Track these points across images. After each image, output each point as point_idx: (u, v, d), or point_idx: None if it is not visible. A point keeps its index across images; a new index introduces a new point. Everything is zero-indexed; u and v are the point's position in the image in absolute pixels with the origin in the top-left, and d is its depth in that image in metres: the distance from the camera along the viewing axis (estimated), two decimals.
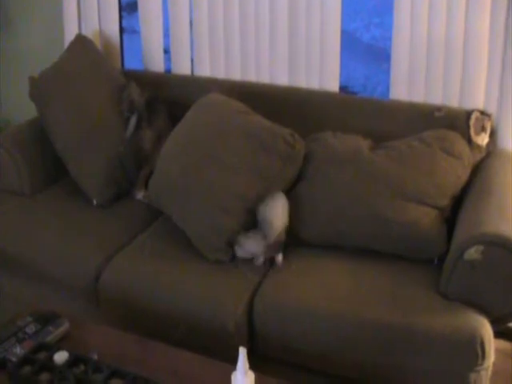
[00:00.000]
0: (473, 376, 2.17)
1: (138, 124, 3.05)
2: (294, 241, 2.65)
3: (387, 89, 3.06)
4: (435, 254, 2.51)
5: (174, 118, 3.06)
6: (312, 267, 2.53)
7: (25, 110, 3.13)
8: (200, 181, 2.68)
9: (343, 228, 2.61)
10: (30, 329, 2.13)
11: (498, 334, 2.29)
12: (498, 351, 2.26)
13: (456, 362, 2.19)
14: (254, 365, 1.80)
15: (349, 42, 3.15)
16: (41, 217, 2.92)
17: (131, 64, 3.65)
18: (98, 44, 3.43)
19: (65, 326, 2.16)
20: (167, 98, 3.24)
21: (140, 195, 3.05)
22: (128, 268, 2.62)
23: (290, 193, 2.73)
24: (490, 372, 2.21)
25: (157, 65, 3.47)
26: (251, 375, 1.79)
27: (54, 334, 2.12)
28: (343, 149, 2.76)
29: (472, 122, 2.77)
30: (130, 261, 2.65)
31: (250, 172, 2.67)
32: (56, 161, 3.09)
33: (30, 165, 3.08)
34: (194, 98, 3.15)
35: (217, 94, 2.98)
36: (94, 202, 2.96)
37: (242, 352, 1.77)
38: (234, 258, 2.61)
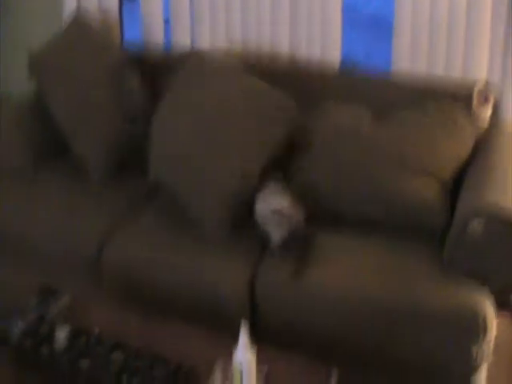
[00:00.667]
0: (475, 349, 2.17)
1: (137, 112, 3.04)
2: None
3: (388, 61, 3.03)
4: (438, 225, 2.49)
5: None
6: (313, 242, 2.52)
7: (25, 84, 3.11)
8: (201, 150, 2.65)
9: (345, 201, 2.60)
10: (32, 302, 2.13)
11: (500, 306, 2.28)
12: (499, 324, 2.26)
13: (458, 335, 2.19)
14: (255, 338, 1.80)
15: (350, 12, 3.10)
16: (42, 193, 2.90)
17: (131, 34, 3.61)
18: (97, 16, 3.38)
19: (66, 301, 2.16)
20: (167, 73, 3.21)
21: None
22: (129, 244, 2.61)
23: (291, 166, 2.72)
24: (492, 345, 2.21)
25: (157, 35, 3.43)
26: (253, 350, 1.79)
27: (55, 308, 2.12)
28: (345, 121, 2.75)
29: (475, 93, 2.74)
30: (131, 237, 2.64)
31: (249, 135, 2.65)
32: (56, 136, 3.06)
33: (30, 140, 3.06)
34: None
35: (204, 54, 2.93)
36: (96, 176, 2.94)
37: (244, 327, 1.77)
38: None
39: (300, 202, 2.51)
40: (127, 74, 3.09)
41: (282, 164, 2.77)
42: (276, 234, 2.46)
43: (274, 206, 2.48)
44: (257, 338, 1.84)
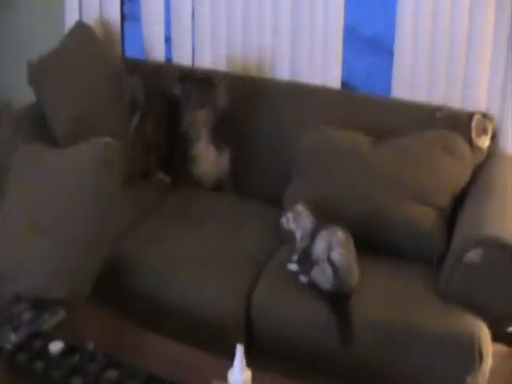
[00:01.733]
0: (469, 379, 2.17)
1: (141, 119, 3.04)
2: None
3: (388, 85, 3.04)
4: (434, 253, 2.50)
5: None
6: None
7: (24, 94, 3.09)
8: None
9: (342, 224, 2.59)
10: (25, 316, 2.10)
11: (495, 338, 2.27)
12: (495, 354, 2.25)
13: (453, 365, 2.19)
14: (250, 358, 1.78)
15: (350, 36, 3.11)
16: None
17: (132, 51, 3.62)
18: (99, 31, 3.39)
19: (60, 314, 2.13)
20: (167, 89, 3.21)
21: (161, 175, 3.12)
22: (128, 257, 2.60)
23: (289, 186, 2.73)
24: (486, 375, 2.21)
25: (158, 53, 3.44)
26: (248, 373, 1.78)
27: (49, 321, 2.10)
28: (344, 144, 2.76)
29: (474, 123, 2.76)
30: (133, 245, 2.64)
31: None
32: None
33: None
34: None
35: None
36: None
37: (240, 349, 1.75)
38: None
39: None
40: (128, 82, 3.09)
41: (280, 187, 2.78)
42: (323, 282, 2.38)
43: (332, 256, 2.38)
44: (251, 355, 1.82)
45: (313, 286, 2.39)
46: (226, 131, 3.04)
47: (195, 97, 3.01)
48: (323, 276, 2.35)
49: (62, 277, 2.34)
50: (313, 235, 2.43)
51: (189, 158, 3.07)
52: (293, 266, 2.48)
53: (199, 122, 3.02)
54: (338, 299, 2.32)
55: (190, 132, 3.04)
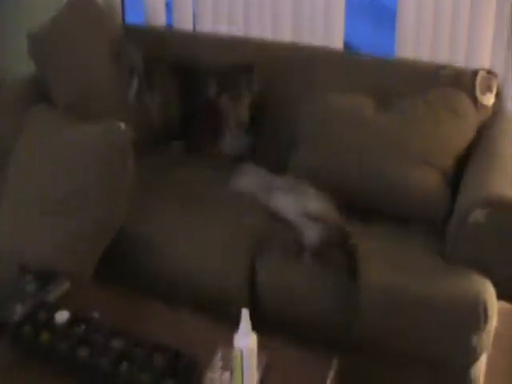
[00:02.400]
0: (475, 339, 2.17)
1: (139, 87, 3.00)
2: None
3: (390, 46, 3.01)
4: (439, 215, 2.49)
5: (177, 76, 3.02)
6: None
7: (25, 66, 3.07)
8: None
9: (346, 189, 2.59)
10: (31, 287, 2.11)
11: (500, 297, 2.28)
12: (499, 313, 2.25)
13: (459, 325, 2.19)
14: (255, 327, 1.79)
15: None
16: None
17: (132, 17, 3.58)
18: None
19: (65, 285, 2.15)
20: (168, 56, 3.19)
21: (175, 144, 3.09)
22: (130, 229, 2.58)
23: (294, 152, 2.71)
24: (492, 334, 2.22)
25: (158, 19, 3.41)
26: (254, 337, 1.78)
27: (54, 292, 2.11)
28: (347, 108, 2.75)
29: (478, 81, 2.73)
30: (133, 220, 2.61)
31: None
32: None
33: None
34: (196, 54, 3.14)
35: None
36: None
37: (245, 313, 1.76)
38: None
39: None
40: (126, 48, 3.07)
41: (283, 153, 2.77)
42: (310, 240, 2.38)
43: (309, 209, 2.40)
44: (256, 327, 1.82)
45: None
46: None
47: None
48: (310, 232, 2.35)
49: (68, 252, 2.35)
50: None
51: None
52: None
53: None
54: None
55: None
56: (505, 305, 2.39)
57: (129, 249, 2.55)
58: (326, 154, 2.66)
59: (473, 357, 2.21)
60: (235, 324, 1.77)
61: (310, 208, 2.39)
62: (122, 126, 2.46)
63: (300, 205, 2.43)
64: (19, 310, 2.01)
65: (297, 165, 2.71)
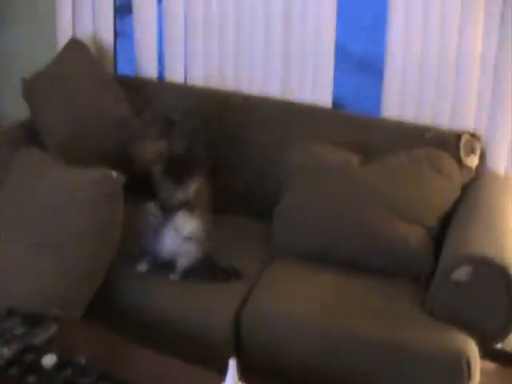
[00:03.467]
0: None
1: None
2: (283, 248, 2.66)
3: (376, 103, 3.08)
4: (422, 271, 2.53)
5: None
6: (300, 279, 2.54)
7: (19, 111, 3.10)
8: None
9: (331, 240, 2.63)
10: (18, 330, 2.10)
11: (484, 355, 2.30)
12: (483, 372, 2.27)
13: (442, 381, 2.21)
14: (240, 374, 1.79)
15: (340, 54, 3.15)
16: None
17: (123, 69, 3.64)
18: (92, 47, 3.40)
19: (53, 328, 2.13)
20: (159, 106, 3.24)
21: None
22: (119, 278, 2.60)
23: (278, 204, 2.75)
24: None
25: (150, 70, 3.46)
26: None
27: (41, 336, 2.09)
28: (333, 161, 2.79)
29: (462, 143, 2.80)
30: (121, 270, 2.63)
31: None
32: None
33: None
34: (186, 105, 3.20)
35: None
36: None
37: (232, 364, 1.76)
38: None
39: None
40: (119, 102, 3.09)
41: (268, 201, 2.80)
42: (182, 262, 2.57)
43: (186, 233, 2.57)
44: (243, 373, 1.83)
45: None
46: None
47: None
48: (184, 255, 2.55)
49: (56, 295, 2.35)
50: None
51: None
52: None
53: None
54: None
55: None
56: (487, 363, 2.42)
57: (115, 294, 2.56)
58: (310, 203, 2.70)
59: None
60: (222, 370, 1.78)
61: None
62: (114, 174, 2.49)
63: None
64: (6, 353, 2.00)
65: (281, 213, 2.73)
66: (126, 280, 2.59)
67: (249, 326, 2.42)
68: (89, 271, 2.43)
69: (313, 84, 3.14)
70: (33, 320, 2.15)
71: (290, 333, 2.37)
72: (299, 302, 2.44)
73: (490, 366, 2.70)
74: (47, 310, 2.24)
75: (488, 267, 2.25)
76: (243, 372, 1.81)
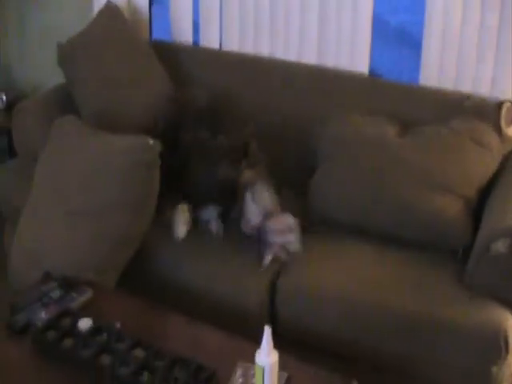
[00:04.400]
0: (495, 370, 2.16)
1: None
2: (319, 220, 2.64)
3: (413, 76, 3.02)
4: (460, 244, 2.49)
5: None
6: (336, 251, 2.53)
7: (52, 77, 3.11)
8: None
9: (367, 213, 2.60)
10: (55, 294, 2.13)
11: None
12: None
13: (478, 356, 2.18)
14: (274, 345, 1.79)
15: (376, 25, 3.09)
16: None
17: (158, 34, 3.61)
18: (127, 13, 3.38)
19: (88, 294, 2.16)
20: (194, 72, 3.23)
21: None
22: (154, 244, 2.61)
23: (315, 173, 2.72)
24: None
25: (185, 36, 3.43)
26: (275, 354, 1.78)
27: (78, 300, 2.12)
28: (370, 131, 2.74)
29: (503, 112, 2.74)
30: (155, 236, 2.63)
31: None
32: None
33: None
34: (221, 72, 3.17)
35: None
36: None
37: (267, 330, 1.76)
38: None
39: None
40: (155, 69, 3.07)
41: (302, 173, 2.78)
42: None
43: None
44: (276, 344, 1.82)
45: None
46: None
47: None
48: None
49: (91, 261, 2.37)
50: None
51: None
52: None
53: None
54: None
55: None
56: None
57: (151, 263, 2.58)
58: (347, 175, 2.66)
59: None
60: (254, 339, 1.77)
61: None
62: (151, 141, 2.48)
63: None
64: (43, 316, 2.02)
65: (317, 185, 2.71)
66: (161, 248, 2.61)
67: (284, 296, 2.42)
68: (124, 238, 2.44)
69: (350, 53, 3.09)
70: (69, 284, 2.18)
71: (323, 304, 2.36)
72: (334, 274, 2.42)
73: None
74: (82, 274, 2.26)
75: None
76: (277, 342, 1.80)
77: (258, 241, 2.51)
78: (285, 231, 2.47)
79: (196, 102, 2.96)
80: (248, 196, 2.57)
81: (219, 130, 2.81)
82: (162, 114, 2.94)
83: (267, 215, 2.51)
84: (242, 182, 2.66)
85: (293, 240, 2.48)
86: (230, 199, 2.68)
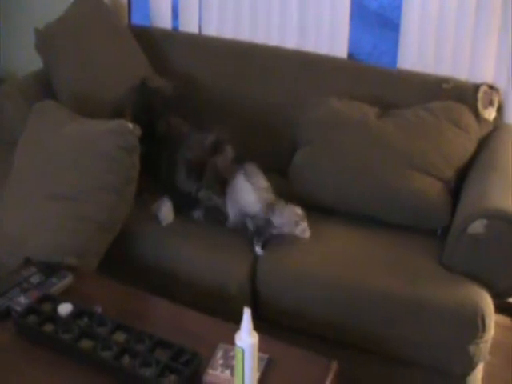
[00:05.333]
0: (472, 348, 2.19)
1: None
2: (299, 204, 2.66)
3: (393, 58, 3.03)
4: (439, 224, 2.52)
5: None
6: (317, 233, 2.52)
7: (30, 62, 3.09)
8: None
9: (348, 194, 2.61)
10: (35, 279, 2.13)
11: (499, 309, 2.30)
12: (497, 325, 2.28)
13: (456, 334, 2.21)
14: (256, 327, 1.80)
15: (356, 9, 3.09)
16: None
17: (137, 19, 3.60)
18: None
19: (69, 278, 2.16)
20: (173, 57, 3.23)
21: None
22: (136, 228, 2.61)
23: (295, 157, 2.73)
24: (489, 345, 2.24)
25: (164, 21, 3.42)
26: (255, 335, 1.79)
27: (58, 285, 2.12)
28: (350, 114, 2.76)
29: (480, 95, 2.76)
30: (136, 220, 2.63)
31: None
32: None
33: None
34: (200, 57, 3.17)
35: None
36: None
37: (247, 312, 1.76)
38: None
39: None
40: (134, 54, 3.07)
41: (283, 158, 2.79)
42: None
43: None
44: (258, 327, 1.84)
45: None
46: None
47: None
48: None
49: (71, 245, 2.36)
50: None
51: None
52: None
53: None
54: None
55: None
56: (502, 318, 2.42)
57: (133, 247, 2.58)
58: (328, 158, 2.67)
59: (470, 365, 2.23)
60: (236, 322, 1.78)
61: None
62: (130, 125, 2.48)
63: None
64: (22, 301, 2.02)
65: (297, 169, 2.72)
66: (143, 233, 2.61)
67: (264, 278, 2.43)
68: (105, 222, 2.43)
69: (329, 37, 3.09)
70: (49, 269, 2.18)
71: (304, 286, 2.38)
72: (314, 256, 2.44)
73: (505, 320, 2.70)
74: (63, 259, 2.25)
75: (503, 220, 2.23)
76: (259, 325, 1.81)
77: (245, 228, 2.52)
78: (293, 223, 2.46)
79: (162, 91, 2.96)
80: (240, 176, 2.56)
81: (187, 119, 2.83)
82: (131, 101, 2.93)
83: (268, 207, 2.49)
84: (208, 167, 2.66)
85: (304, 228, 2.47)
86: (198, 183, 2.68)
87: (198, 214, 2.65)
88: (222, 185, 2.61)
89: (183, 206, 2.68)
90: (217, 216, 2.61)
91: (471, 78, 2.87)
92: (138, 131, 2.48)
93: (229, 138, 2.70)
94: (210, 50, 3.23)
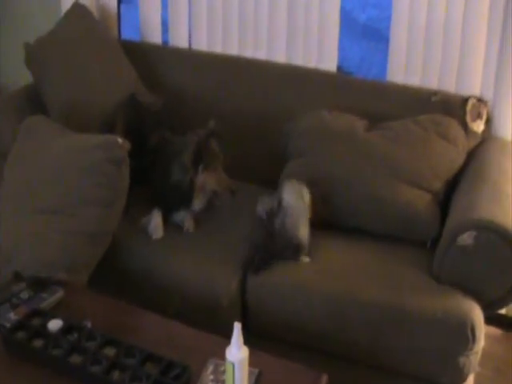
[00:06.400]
0: (462, 359, 2.20)
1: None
2: None
3: (382, 70, 3.05)
4: (428, 236, 2.53)
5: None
6: None
7: (22, 76, 3.09)
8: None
9: (337, 206, 2.62)
10: (24, 294, 2.12)
11: (489, 320, 2.31)
12: (487, 336, 2.28)
13: (446, 346, 2.22)
14: (246, 341, 1.80)
15: (345, 21, 3.11)
16: None
17: (127, 34, 3.61)
18: (95, 12, 3.38)
19: (59, 293, 2.15)
20: (163, 72, 3.24)
21: None
22: (126, 242, 2.61)
23: (285, 169, 2.74)
24: (479, 356, 2.24)
25: (154, 35, 3.44)
26: (246, 350, 1.79)
27: (48, 300, 2.11)
28: (339, 127, 2.78)
29: (468, 108, 2.78)
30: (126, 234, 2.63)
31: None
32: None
33: None
34: (190, 71, 3.18)
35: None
36: None
37: (237, 327, 1.77)
38: None
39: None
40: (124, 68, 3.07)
41: (273, 170, 2.79)
42: None
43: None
44: (248, 340, 1.84)
45: None
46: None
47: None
48: None
49: (61, 260, 2.36)
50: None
51: None
52: None
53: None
54: None
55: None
56: (492, 329, 2.43)
57: (122, 260, 2.58)
58: (316, 170, 2.68)
59: (460, 377, 2.24)
60: (226, 334, 1.79)
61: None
62: (120, 140, 2.48)
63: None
64: (12, 317, 2.02)
65: (288, 180, 2.72)
66: (132, 246, 2.61)
67: (254, 290, 2.43)
68: (94, 236, 2.44)
69: (318, 50, 3.11)
70: (39, 284, 2.17)
71: (295, 297, 2.38)
72: (304, 267, 2.44)
73: (495, 331, 2.70)
74: (53, 273, 2.25)
75: (492, 232, 2.24)
76: (249, 338, 1.81)
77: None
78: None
79: (152, 106, 2.98)
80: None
81: (177, 132, 2.85)
82: (121, 115, 2.94)
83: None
84: (197, 183, 2.66)
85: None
86: (184, 200, 2.69)
87: (188, 222, 2.64)
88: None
89: (175, 208, 2.68)
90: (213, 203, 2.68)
91: (459, 91, 2.89)
92: (127, 145, 2.48)
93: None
94: (200, 64, 3.25)
